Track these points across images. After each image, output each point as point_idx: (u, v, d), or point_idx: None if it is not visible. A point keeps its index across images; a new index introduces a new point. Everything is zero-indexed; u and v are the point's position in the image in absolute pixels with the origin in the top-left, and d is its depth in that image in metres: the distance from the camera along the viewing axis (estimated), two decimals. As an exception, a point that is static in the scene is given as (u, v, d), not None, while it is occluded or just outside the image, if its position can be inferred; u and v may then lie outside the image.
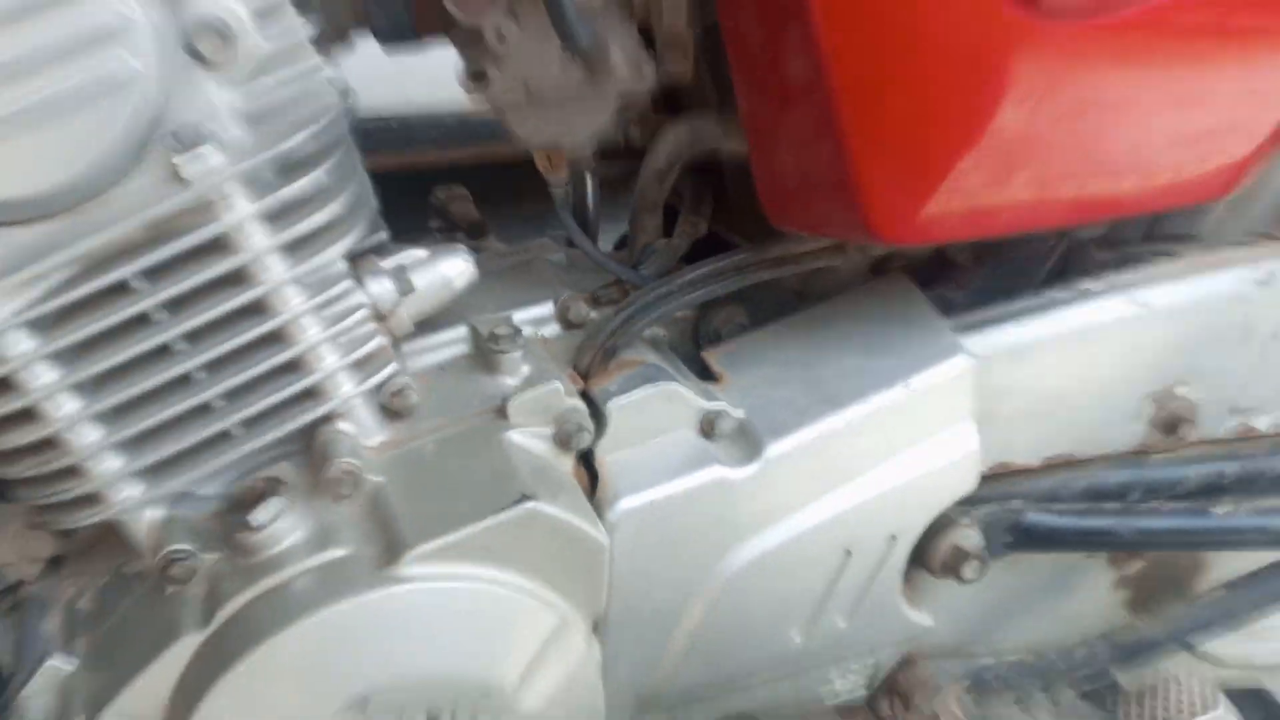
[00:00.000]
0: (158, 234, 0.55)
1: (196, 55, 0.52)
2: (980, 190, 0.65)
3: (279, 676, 0.55)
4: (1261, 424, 0.96)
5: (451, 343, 0.70)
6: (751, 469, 0.70)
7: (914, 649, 0.90)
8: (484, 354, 0.68)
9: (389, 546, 0.58)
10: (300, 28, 0.56)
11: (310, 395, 0.62)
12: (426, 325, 0.68)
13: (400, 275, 0.63)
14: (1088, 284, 0.83)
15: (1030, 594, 0.97)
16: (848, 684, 0.85)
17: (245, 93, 0.55)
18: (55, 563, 0.67)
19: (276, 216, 0.57)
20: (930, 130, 0.62)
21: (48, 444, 0.57)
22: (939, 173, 0.63)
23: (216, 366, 0.59)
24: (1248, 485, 0.94)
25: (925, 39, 0.59)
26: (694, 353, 0.77)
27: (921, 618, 0.84)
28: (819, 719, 0.94)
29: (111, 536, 0.65)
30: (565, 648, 0.62)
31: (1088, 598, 1.00)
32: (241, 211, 0.56)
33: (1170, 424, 0.90)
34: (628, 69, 0.62)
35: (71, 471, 0.58)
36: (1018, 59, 0.61)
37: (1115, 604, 1.00)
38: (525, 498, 0.60)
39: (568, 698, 0.63)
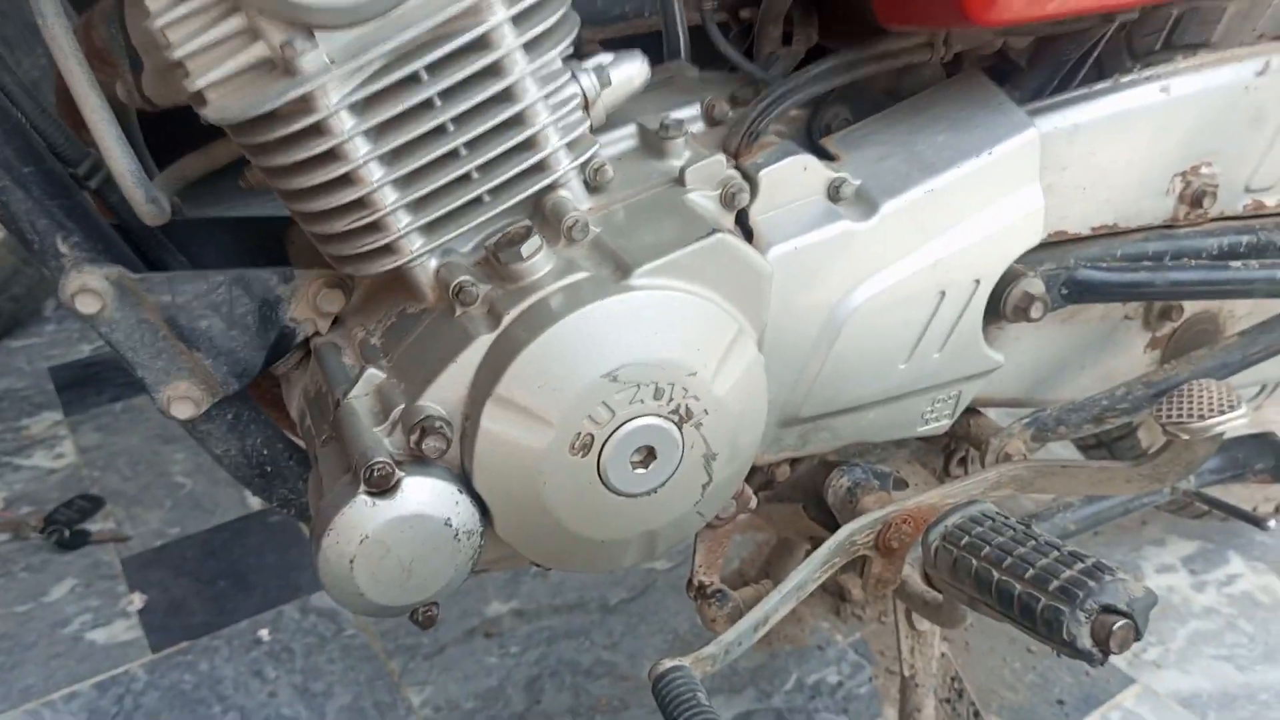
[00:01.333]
0: (438, 35, 0.73)
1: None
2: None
3: (555, 360, 0.74)
4: (1271, 201, 1.14)
5: (625, 138, 0.89)
6: (871, 223, 0.89)
7: (988, 394, 1.09)
8: (653, 143, 0.87)
9: (619, 267, 0.77)
10: None
11: (540, 168, 0.80)
12: (600, 126, 0.87)
13: (601, 72, 0.82)
14: (1124, 77, 1.02)
15: (1079, 352, 1.16)
16: (936, 414, 1.04)
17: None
18: (336, 322, 0.87)
19: (519, 20, 0.75)
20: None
21: (360, 204, 0.76)
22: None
23: (475, 144, 0.77)
24: (1259, 253, 1.13)
25: None
26: (809, 148, 0.96)
27: (996, 356, 1.03)
28: (906, 452, 1.14)
29: (383, 293, 0.84)
30: (742, 350, 0.81)
31: (1126, 357, 1.19)
32: (499, 15, 0.74)
33: (1195, 199, 1.09)
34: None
35: (374, 226, 0.77)
36: None
37: (1149, 361, 1.20)
38: (715, 230, 0.79)
39: (744, 391, 0.83)
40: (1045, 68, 1.01)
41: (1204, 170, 1.08)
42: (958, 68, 1.01)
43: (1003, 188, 0.94)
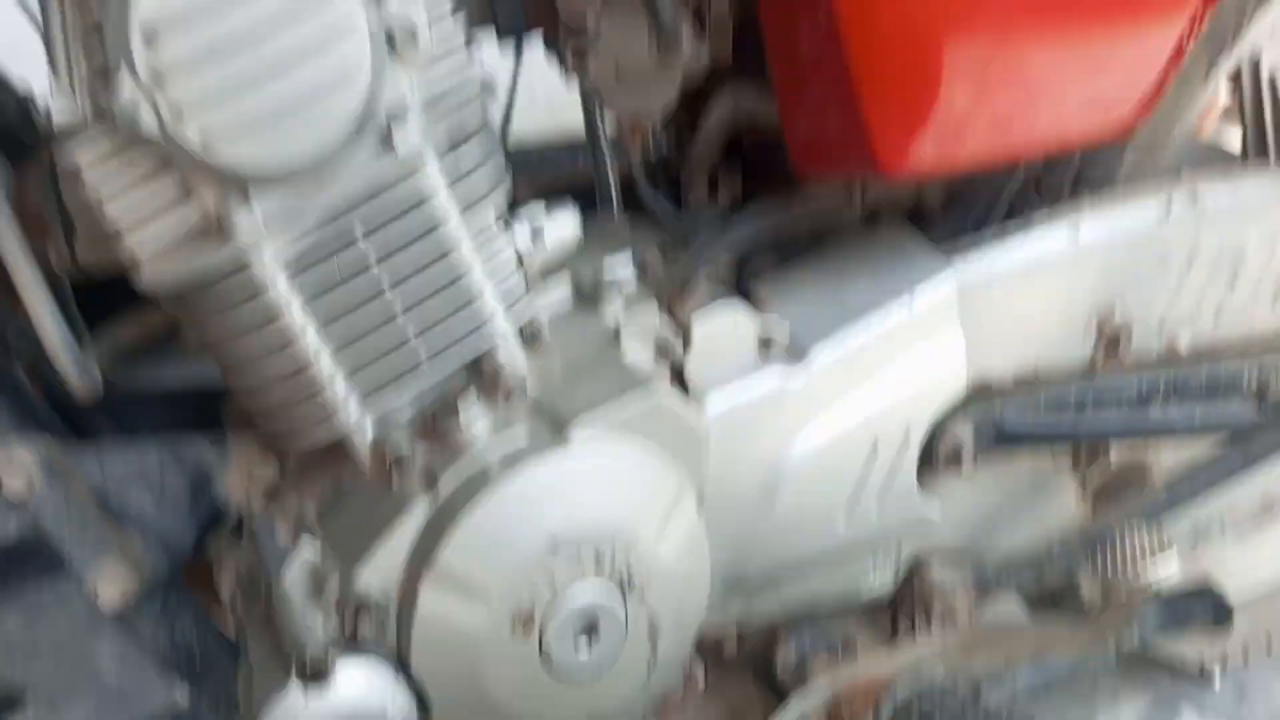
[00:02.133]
0: (371, 194, 0.73)
1: (394, 49, 0.71)
2: (950, 129, 0.88)
3: (494, 528, 0.72)
4: (1184, 341, 1.17)
5: (559, 293, 0.89)
6: (803, 368, 0.90)
7: (928, 547, 1.08)
8: (586, 298, 0.87)
9: (557, 427, 0.76)
10: (458, 31, 0.75)
11: (477, 329, 0.79)
12: (535, 283, 0.87)
13: (535, 229, 0.82)
14: (1033, 222, 1.06)
15: (1015, 500, 1.16)
16: (880, 577, 1.03)
17: (422, 82, 0.73)
18: (270, 496, 0.83)
19: (453, 181, 0.76)
20: (916, 77, 0.84)
21: (296, 372, 0.74)
22: (924, 112, 0.85)
23: (412, 306, 0.76)
24: (1179, 394, 1.15)
25: (910, 8, 0.81)
26: (739, 296, 0.97)
27: (932, 509, 1.03)
28: (852, 616, 1.12)
29: (319, 462, 0.81)
30: (683, 509, 0.80)
31: (1060, 503, 1.19)
32: (433, 173, 0.74)
33: (1112, 342, 1.11)
34: (691, 49, 0.83)
35: (311, 395, 0.75)
36: (972, 14, 0.84)
37: (1082, 508, 1.21)
38: (650, 382, 0.78)
39: (687, 553, 0.81)
40: (959, 215, 1.04)
41: (1117, 312, 1.11)
42: (877, 215, 1.04)
43: (926, 332, 0.96)
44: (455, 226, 0.76)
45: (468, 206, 0.77)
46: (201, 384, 0.94)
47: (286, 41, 0.66)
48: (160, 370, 0.98)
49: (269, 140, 0.68)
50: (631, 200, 1.00)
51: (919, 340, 0.96)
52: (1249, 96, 1.24)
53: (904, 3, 0.81)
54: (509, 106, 1.05)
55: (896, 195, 1.04)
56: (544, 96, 1.81)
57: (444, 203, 0.75)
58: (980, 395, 1.05)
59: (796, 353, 0.91)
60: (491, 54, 0.88)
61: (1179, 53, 0.96)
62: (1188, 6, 0.94)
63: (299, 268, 0.72)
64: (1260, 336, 1.16)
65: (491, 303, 0.79)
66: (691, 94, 0.92)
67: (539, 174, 1.23)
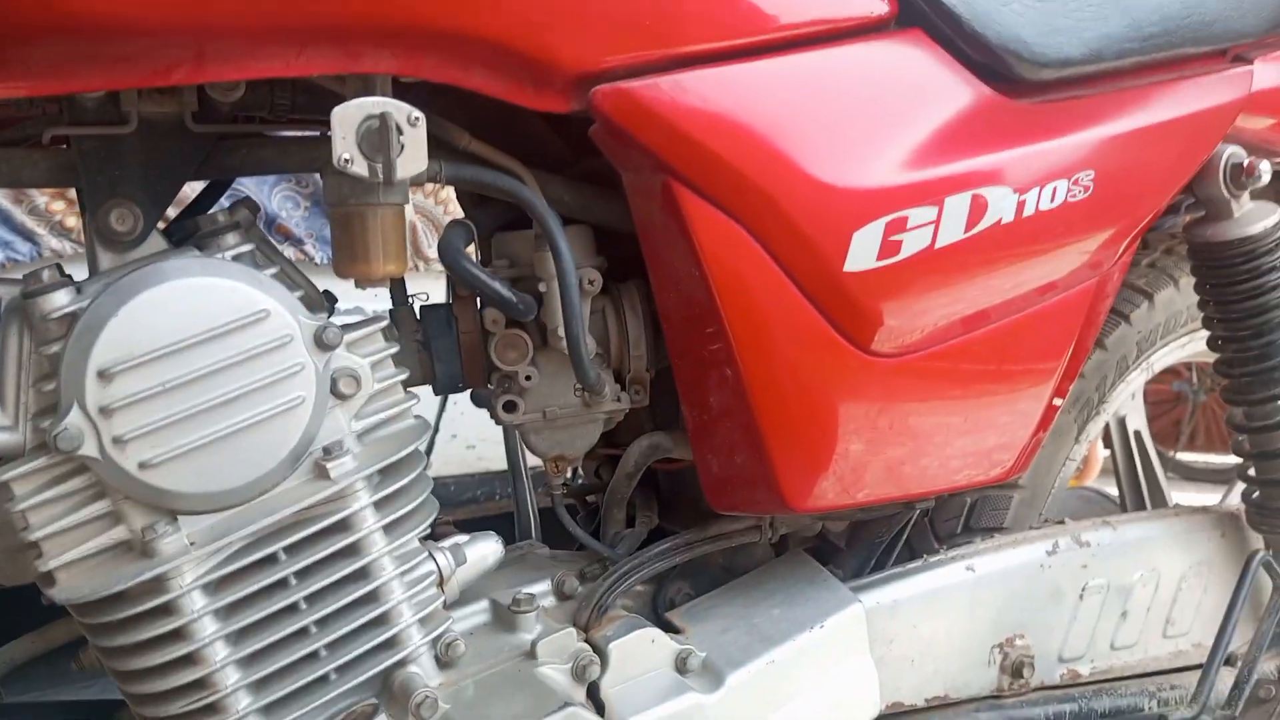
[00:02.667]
0: (299, 519, 0.77)
1: (338, 393, 0.78)
2: (849, 473, 0.96)
3: None
4: (1084, 670, 1.22)
5: (478, 613, 0.91)
6: (718, 694, 0.92)
7: None
8: (505, 618, 0.90)
9: (467, 750, 0.76)
10: (396, 374, 0.82)
11: (390, 644, 0.81)
12: (456, 601, 0.89)
13: (456, 551, 0.86)
14: (931, 557, 1.12)
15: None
16: None
17: (361, 418, 0.80)
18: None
19: (381, 504, 0.80)
20: (816, 430, 0.93)
21: (198, 684, 0.74)
22: (824, 459, 0.93)
23: (325, 621, 0.78)
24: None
25: (807, 372, 0.91)
26: (655, 621, 1.00)
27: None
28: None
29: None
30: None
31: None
32: (361, 501, 0.78)
33: (1015, 670, 1.15)
34: (613, 398, 0.91)
35: (211, 709, 0.74)
36: (862, 381, 0.94)
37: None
38: (566, 704, 0.80)
39: None
40: (862, 549, 1.11)
41: (1018, 642, 1.16)
42: (785, 546, 1.09)
43: (836, 659, 0.99)
44: (378, 550, 0.79)
45: (392, 529, 0.80)
46: (97, 696, 0.93)
47: (236, 384, 0.72)
48: (55, 685, 0.96)
49: (206, 472, 0.72)
50: (555, 530, 1.05)
51: (831, 668, 0.99)
52: (1120, 452, 1.38)
53: (801, 368, 0.91)
54: (431, 442, 1.11)
55: (803, 528, 1.10)
56: (465, 436, 1.92)
57: (369, 527, 0.79)
58: (893, 719, 1.07)
59: (713, 678, 0.93)
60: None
61: (1049, 415, 1.08)
62: (1052, 378, 1.07)
63: (217, 587, 0.74)
64: (1155, 665, 1.22)
65: (407, 620, 0.81)
66: (611, 430, 1.00)
67: (460, 504, 1.28)
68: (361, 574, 0.79)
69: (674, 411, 0.96)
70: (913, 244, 0.94)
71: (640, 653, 0.91)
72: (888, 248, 0.92)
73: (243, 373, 0.72)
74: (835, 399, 0.95)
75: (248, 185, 2.09)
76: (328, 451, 0.76)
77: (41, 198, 1.92)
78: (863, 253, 0.91)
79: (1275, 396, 1.20)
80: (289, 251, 2.07)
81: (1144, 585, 1.21)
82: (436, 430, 1.93)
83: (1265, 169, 1.14)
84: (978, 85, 0.97)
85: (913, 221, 0.93)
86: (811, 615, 0.99)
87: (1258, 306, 1.17)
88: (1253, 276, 1.16)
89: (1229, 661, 1.22)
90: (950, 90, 0.97)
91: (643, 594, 1.02)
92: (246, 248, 0.76)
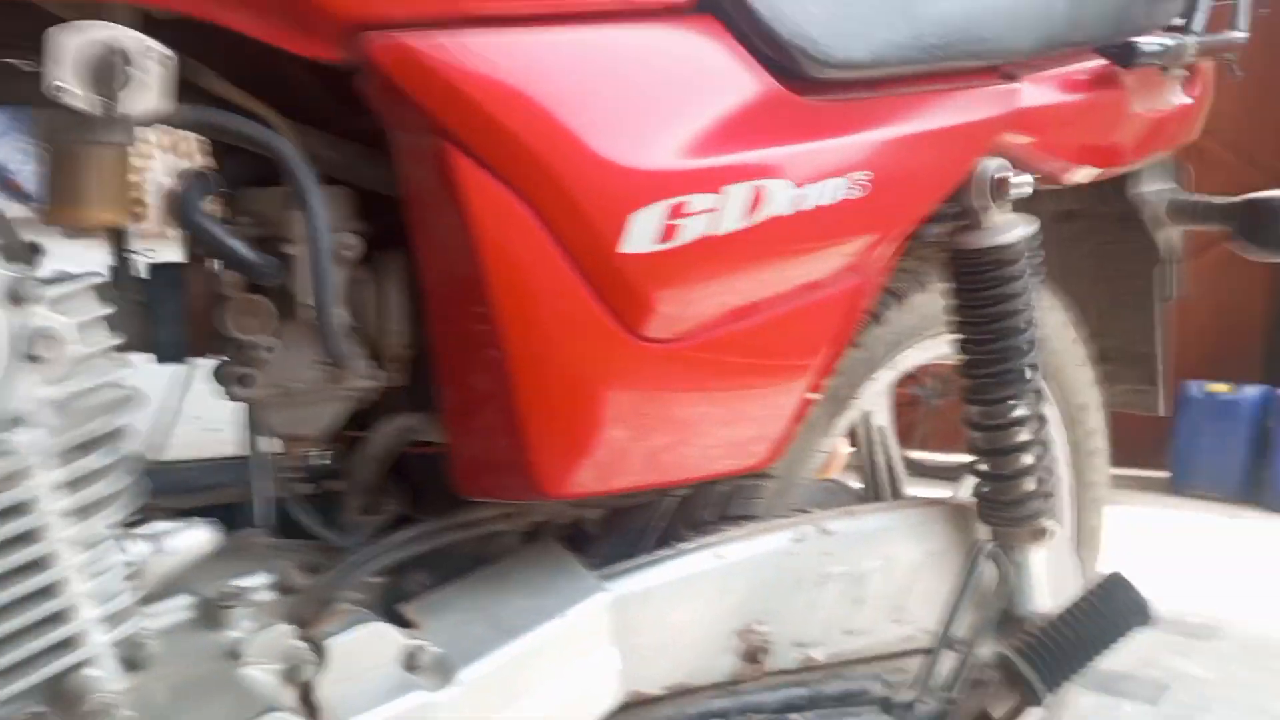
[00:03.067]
0: (-35, 497, 0.65)
1: (31, 356, 0.66)
2: (608, 459, 0.93)
3: None
4: (819, 655, 1.25)
5: (177, 609, 0.82)
6: (450, 691, 0.86)
7: None
8: (209, 614, 0.81)
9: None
10: (108, 339, 0.71)
11: (65, 645, 0.71)
12: (152, 596, 0.80)
13: (156, 539, 0.76)
14: (682, 545, 1.12)
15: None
16: None
17: (60, 385, 0.69)
18: None
19: (71, 486, 0.69)
20: (578, 415, 0.89)
21: None
22: (584, 444, 0.90)
23: (-12, 616, 0.67)
24: (814, 704, 1.22)
25: (575, 355, 0.87)
26: (387, 616, 0.94)
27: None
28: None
29: None
30: None
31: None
32: (41, 479, 0.67)
33: (753, 655, 1.17)
34: (365, 375, 0.83)
35: None
36: (629, 367, 0.91)
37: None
38: (270, 709, 0.72)
39: None
40: (617, 537, 1.09)
41: (758, 629, 1.17)
42: (536, 534, 1.06)
43: (579, 650, 0.96)
44: (57, 535, 0.69)
45: (77, 514, 0.70)
46: None
47: None
48: None
49: None
50: (292, 523, 0.96)
51: (573, 659, 0.96)
52: (865, 447, 1.43)
53: (569, 350, 0.87)
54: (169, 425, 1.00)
55: (557, 516, 1.07)
56: (209, 419, 1.76)
57: (47, 509, 0.68)
58: (633, 709, 1.06)
59: (444, 673, 0.87)
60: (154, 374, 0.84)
61: (803, 408, 1.09)
62: (809, 373, 1.08)
63: None
64: (884, 651, 1.27)
65: (87, 617, 0.71)
66: (360, 412, 0.92)
67: (193, 491, 1.17)
68: (35, 565, 0.68)
69: (429, 395, 0.90)
70: (691, 230, 0.91)
71: (364, 650, 0.84)
72: (665, 232, 0.90)
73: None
74: (602, 384, 0.92)
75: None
76: (13, 421, 0.65)
77: None
78: (640, 235, 0.88)
79: (1009, 396, 1.27)
80: (16, 210, 1.82)
81: (879, 573, 1.25)
82: (179, 412, 1.76)
83: (1024, 182, 1.19)
84: (766, 78, 0.96)
85: (691, 207, 0.91)
86: (555, 605, 0.96)
87: (1002, 312, 1.23)
88: (1000, 283, 1.22)
89: (952, 646, 1.29)
90: (738, 81, 0.95)
91: (377, 587, 0.95)
92: (-74, 183, 0.63)
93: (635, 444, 0.96)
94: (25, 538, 0.68)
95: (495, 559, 1.01)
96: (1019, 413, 1.28)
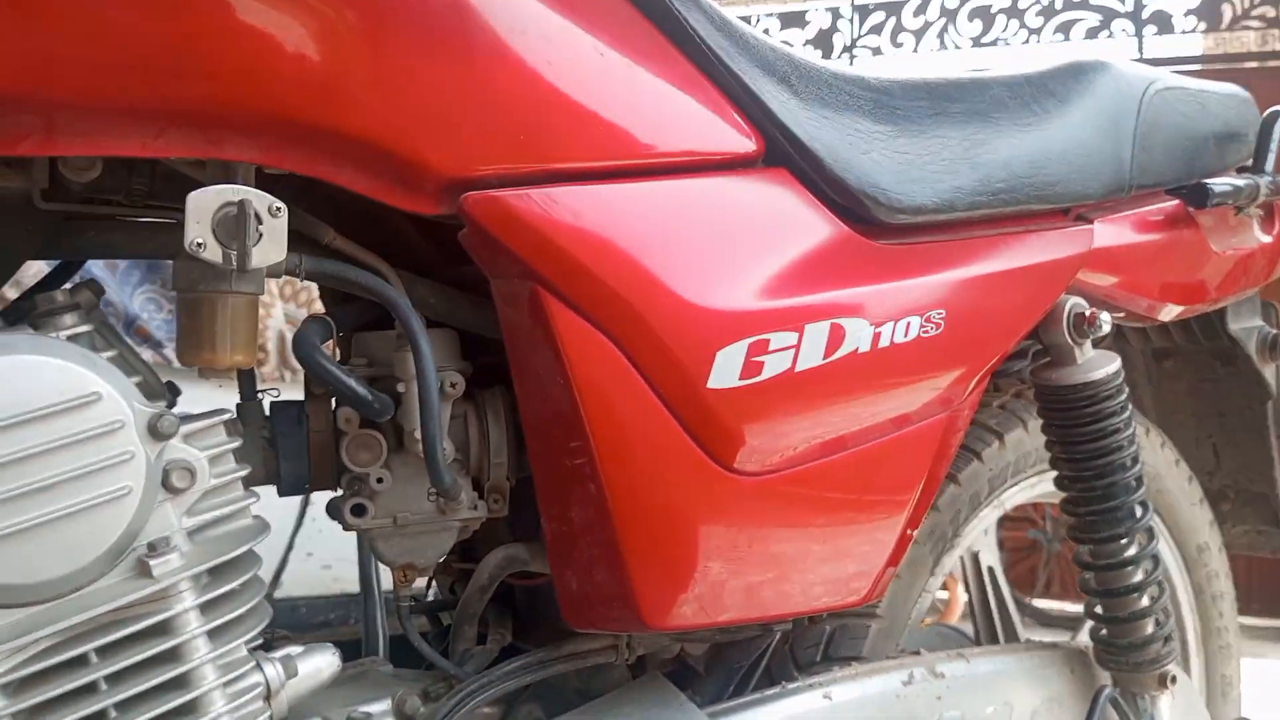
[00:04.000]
0: (116, 617, 0.72)
1: (169, 487, 0.74)
2: (709, 592, 0.95)
3: None
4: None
5: (307, 728, 0.86)
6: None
7: None
8: (339, 739, 0.84)
9: None
10: (237, 470, 0.79)
11: (208, 764, 0.75)
12: (285, 718, 0.84)
13: (288, 662, 0.81)
14: (788, 684, 1.11)
15: None
16: None
17: (193, 514, 0.76)
18: None
19: (207, 608, 0.75)
20: (677, 547, 0.92)
21: (-13, 803, 0.67)
22: (684, 577, 0.93)
23: (137, 734, 0.72)
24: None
25: (670, 488, 0.91)
26: (502, 748, 0.96)
27: None
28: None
29: None
30: None
31: None
32: (186, 602, 0.74)
33: (868, 806, 1.14)
34: (470, 506, 0.89)
35: (-2, 832, 0.67)
36: (723, 500, 0.94)
37: None
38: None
39: None
40: (721, 674, 1.09)
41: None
42: (643, 669, 1.07)
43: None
44: (201, 656, 0.74)
45: (218, 634, 0.76)
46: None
47: (58, 469, 0.68)
48: None
49: (15, 562, 0.67)
50: (405, 653, 1.00)
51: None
52: (974, 588, 1.41)
53: (664, 484, 0.91)
54: (285, 560, 1.06)
55: (661, 650, 1.08)
56: (321, 556, 1.85)
57: (193, 631, 0.74)
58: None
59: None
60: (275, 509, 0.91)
61: (903, 544, 1.10)
62: (906, 508, 1.09)
63: (18, 688, 0.68)
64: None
65: (227, 734, 0.76)
66: (467, 542, 0.97)
67: (309, 627, 1.22)
68: (179, 682, 0.74)
69: (533, 524, 0.94)
70: (774, 366, 0.96)
71: (481, 777, 0.86)
72: (750, 368, 0.94)
73: (67, 457, 0.68)
74: (697, 517, 0.95)
75: (110, 285, 2.03)
76: (153, 547, 0.72)
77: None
78: (726, 371, 0.93)
79: (1119, 535, 1.25)
80: (147, 355, 2.00)
81: (997, 718, 1.21)
82: (291, 548, 1.85)
83: (1105, 320, 1.21)
84: (837, 224, 1.02)
85: (774, 345, 0.96)
86: (667, 743, 0.97)
87: (1101, 449, 1.23)
88: (1095, 420, 1.22)
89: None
90: (812, 226, 1.01)
91: (490, 716, 0.98)
92: (84, 328, 0.73)
93: (734, 578, 0.98)
94: (169, 656, 0.74)
95: (602, 691, 1.02)
96: (1131, 552, 1.26)
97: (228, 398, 0.87)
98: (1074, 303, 1.22)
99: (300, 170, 0.74)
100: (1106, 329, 1.22)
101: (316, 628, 1.41)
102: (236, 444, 0.78)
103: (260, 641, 0.81)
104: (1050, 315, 1.21)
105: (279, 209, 0.72)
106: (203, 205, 0.70)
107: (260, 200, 0.71)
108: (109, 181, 0.78)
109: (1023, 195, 1.17)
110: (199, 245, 0.70)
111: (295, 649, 0.83)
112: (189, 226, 0.69)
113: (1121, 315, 1.34)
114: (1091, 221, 1.26)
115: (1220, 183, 1.35)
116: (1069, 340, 1.22)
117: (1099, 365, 1.23)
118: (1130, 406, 1.25)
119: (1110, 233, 1.27)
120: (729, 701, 1.06)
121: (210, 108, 0.70)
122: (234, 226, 0.70)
